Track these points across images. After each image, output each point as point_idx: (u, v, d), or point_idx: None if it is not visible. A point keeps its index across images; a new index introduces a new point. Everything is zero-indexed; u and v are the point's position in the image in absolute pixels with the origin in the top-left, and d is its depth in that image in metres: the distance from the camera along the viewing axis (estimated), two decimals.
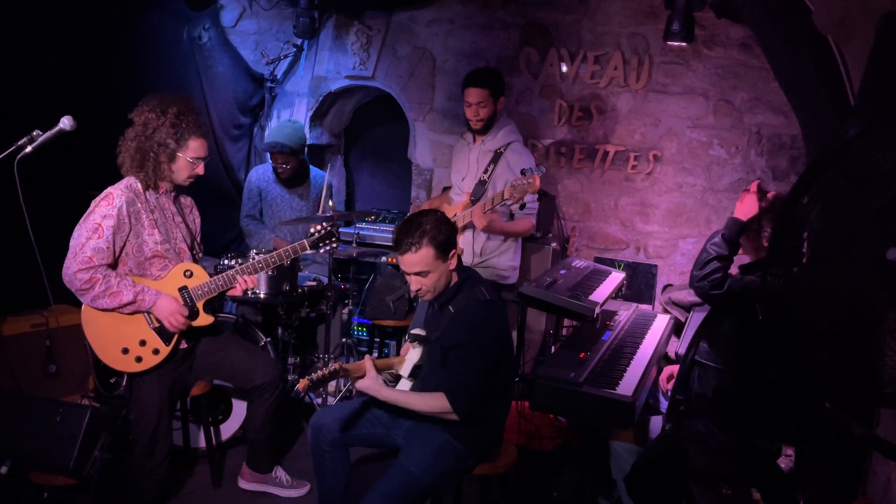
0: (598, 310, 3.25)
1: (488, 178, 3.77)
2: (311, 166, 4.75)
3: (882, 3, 1.77)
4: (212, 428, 3.61)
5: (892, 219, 0.98)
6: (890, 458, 1.28)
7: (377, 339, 4.84)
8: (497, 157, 3.77)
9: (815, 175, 1.09)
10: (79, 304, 2.91)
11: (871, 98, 1.48)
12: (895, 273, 0.97)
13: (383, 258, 4.74)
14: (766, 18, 3.19)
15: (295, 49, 5.26)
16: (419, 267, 2.64)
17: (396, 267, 4.60)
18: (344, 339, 4.69)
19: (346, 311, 4.73)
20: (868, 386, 1.10)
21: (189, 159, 2.90)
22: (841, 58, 2.07)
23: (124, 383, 3.03)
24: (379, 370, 2.70)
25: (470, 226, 3.79)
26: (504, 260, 3.85)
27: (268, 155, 5.43)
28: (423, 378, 2.81)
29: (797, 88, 3.19)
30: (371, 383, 2.59)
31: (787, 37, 2.96)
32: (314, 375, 2.48)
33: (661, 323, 3.78)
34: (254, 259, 3.25)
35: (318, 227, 3.24)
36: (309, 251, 3.22)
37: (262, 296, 4.01)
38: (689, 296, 4.33)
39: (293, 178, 4.60)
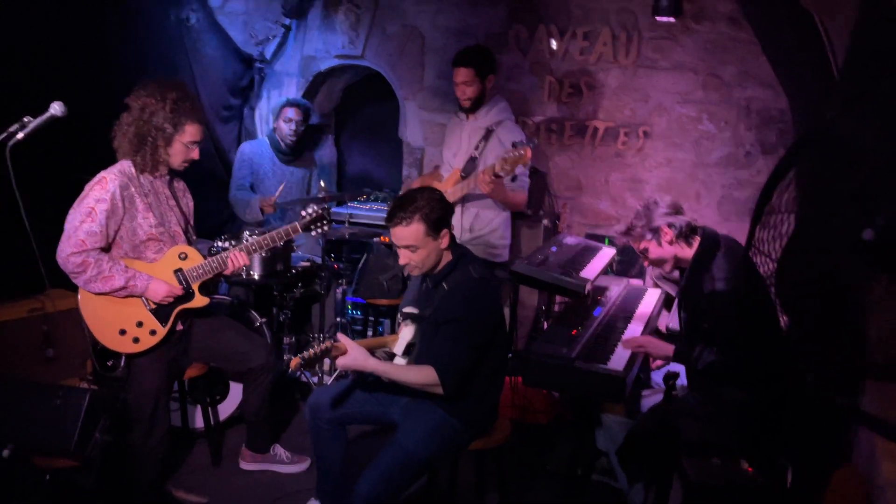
0: (589, 286, 3.29)
1: (479, 154, 3.80)
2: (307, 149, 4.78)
3: None
4: (210, 408, 3.65)
5: (869, 197, 1.01)
6: (870, 429, 1.33)
7: (371, 318, 4.88)
8: (488, 134, 3.79)
9: (795, 156, 1.11)
10: (75, 288, 2.93)
11: (853, 76, 1.51)
12: (872, 250, 1.00)
13: (375, 238, 4.76)
14: None
15: (283, 29, 5.23)
16: (408, 241, 2.66)
17: (389, 246, 4.63)
18: (338, 319, 4.73)
19: (339, 290, 4.76)
20: (852, 357, 1.13)
21: (185, 143, 2.93)
22: (825, 33, 2.09)
23: (122, 365, 3.07)
24: (372, 349, 2.74)
25: (459, 202, 3.82)
26: (495, 237, 3.88)
27: (260, 134, 5.43)
28: (417, 356, 2.84)
29: (783, 62, 3.22)
30: (356, 354, 2.54)
31: (771, 11, 2.97)
32: (305, 354, 2.50)
33: (651, 297, 3.83)
34: (247, 241, 3.27)
35: (310, 210, 3.26)
36: (301, 234, 3.25)
37: (256, 277, 4.04)
38: None
39: (296, 149, 4.61)
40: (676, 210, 2.87)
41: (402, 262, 2.73)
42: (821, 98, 2.24)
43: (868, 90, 1.05)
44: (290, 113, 4.51)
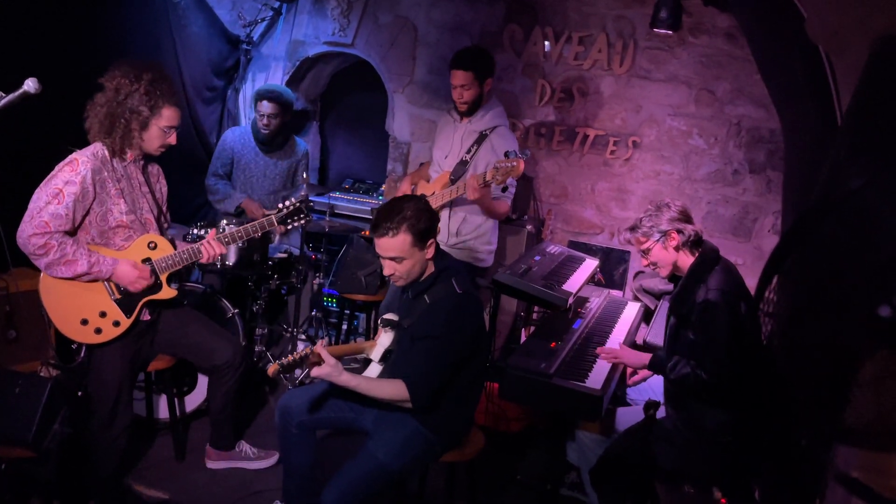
0: (571, 300, 3.25)
1: (470, 158, 3.72)
2: (293, 136, 4.66)
3: (878, 20, 1.75)
4: (176, 399, 3.56)
5: (888, 273, 0.97)
6: (858, 496, 1.30)
7: (347, 312, 4.80)
8: (482, 138, 3.71)
9: (813, 223, 1.07)
10: (38, 269, 2.82)
11: (860, 122, 1.46)
12: (884, 328, 0.97)
13: (356, 233, 4.68)
14: (754, 15, 3.16)
15: (273, 12, 5.10)
16: (394, 252, 2.59)
17: (369, 240, 4.55)
18: (314, 312, 4.65)
19: (316, 281, 4.68)
20: (848, 425, 1.10)
21: (162, 128, 2.82)
22: (831, 69, 2.05)
23: (83, 352, 2.97)
24: (350, 354, 2.67)
25: (447, 205, 3.75)
26: (480, 243, 3.81)
27: (243, 117, 5.30)
28: (393, 363, 2.79)
29: (781, 86, 3.18)
30: (330, 370, 2.49)
31: (775, 36, 2.93)
32: (284, 360, 2.46)
33: (631, 311, 3.81)
34: (223, 231, 3.17)
35: (287, 203, 3.16)
36: (277, 227, 3.16)
37: (231, 266, 3.94)
38: (660, 284, 4.36)
39: (273, 141, 4.47)
40: (687, 218, 2.86)
41: (386, 272, 2.66)
42: (820, 131, 2.20)
43: (889, 159, 1.01)
44: (263, 107, 4.33)
